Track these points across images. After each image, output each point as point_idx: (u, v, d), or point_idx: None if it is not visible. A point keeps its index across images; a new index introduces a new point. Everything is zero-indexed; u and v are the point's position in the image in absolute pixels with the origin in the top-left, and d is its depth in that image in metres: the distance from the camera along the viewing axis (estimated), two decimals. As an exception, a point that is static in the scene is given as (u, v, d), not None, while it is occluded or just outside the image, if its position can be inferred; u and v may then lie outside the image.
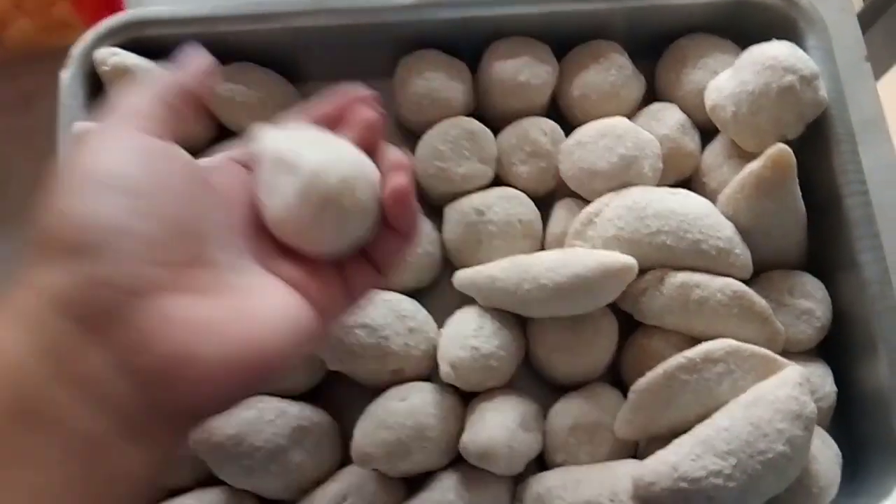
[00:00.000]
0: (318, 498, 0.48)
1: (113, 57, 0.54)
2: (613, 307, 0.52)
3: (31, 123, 0.60)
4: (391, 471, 0.48)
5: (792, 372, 0.47)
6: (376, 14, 0.57)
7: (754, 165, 0.50)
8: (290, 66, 0.56)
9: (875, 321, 0.51)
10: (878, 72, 1.03)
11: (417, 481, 0.50)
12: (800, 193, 0.52)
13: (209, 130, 0.57)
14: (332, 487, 0.48)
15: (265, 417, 0.48)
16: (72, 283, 0.27)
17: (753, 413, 0.45)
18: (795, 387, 0.46)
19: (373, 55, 0.58)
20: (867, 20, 0.92)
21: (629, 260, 0.48)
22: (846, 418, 0.53)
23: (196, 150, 0.55)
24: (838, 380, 0.52)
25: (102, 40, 0.55)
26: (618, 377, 0.54)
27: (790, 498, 0.47)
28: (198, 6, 0.57)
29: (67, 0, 0.61)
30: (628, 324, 0.53)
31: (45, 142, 0.53)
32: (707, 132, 0.58)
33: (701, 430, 0.46)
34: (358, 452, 0.47)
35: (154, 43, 0.56)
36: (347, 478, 0.49)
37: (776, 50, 0.52)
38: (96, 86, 0.55)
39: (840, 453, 0.50)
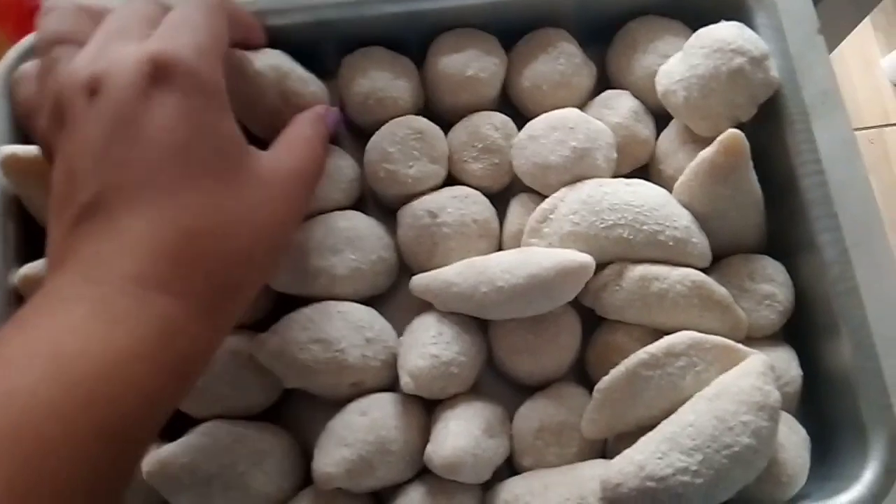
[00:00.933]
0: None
1: None
2: (576, 303, 0.51)
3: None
4: (355, 488, 0.47)
5: (754, 361, 0.46)
6: (314, 11, 0.55)
7: (707, 152, 0.49)
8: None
9: (836, 303, 0.50)
10: (833, 42, 1.02)
11: (384, 495, 0.49)
12: (755, 177, 0.51)
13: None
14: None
15: (220, 443, 0.46)
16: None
17: (717, 406, 0.44)
18: (759, 377, 0.45)
19: (315, 55, 0.56)
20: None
21: (586, 258, 0.47)
22: (813, 401, 0.52)
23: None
24: (803, 362, 0.52)
25: (24, 58, 0.53)
26: (584, 374, 0.53)
27: (760, 487, 0.47)
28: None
29: (-9, 18, 0.59)
30: (592, 319, 0.53)
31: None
32: (662, 117, 0.57)
33: (666, 427, 0.45)
34: (319, 474, 0.46)
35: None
36: (311, 498, 0.48)
37: (724, 32, 0.51)
38: (22, 104, 0.53)
39: (808, 438, 0.50)
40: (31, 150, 0.49)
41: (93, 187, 0.33)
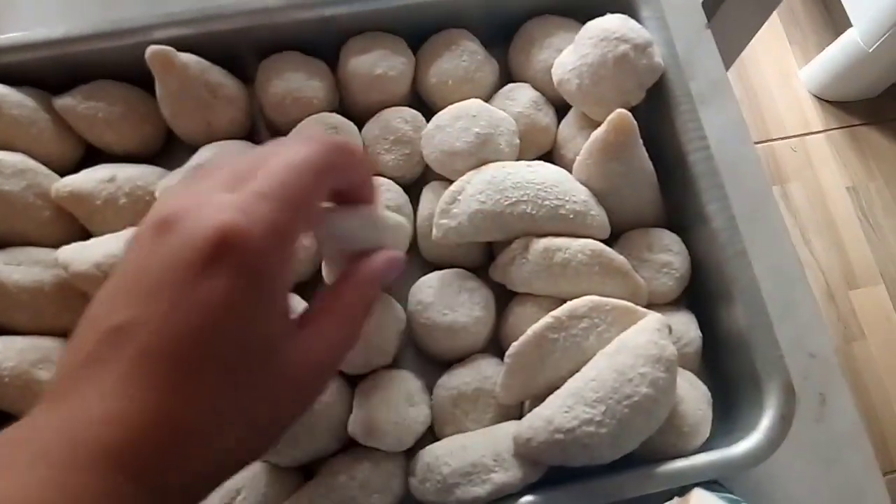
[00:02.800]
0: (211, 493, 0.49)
1: None
2: (489, 281, 0.55)
3: None
4: (282, 460, 0.49)
5: (650, 319, 0.50)
6: (230, 20, 0.58)
7: (599, 132, 0.53)
8: (150, 79, 0.57)
9: (727, 267, 0.54)
10: (746, 37, 1.08)
11: (311, 469, 0.51)
12: (645, 154, 0.55)
13: (76, 149, 0.58)
14: (225, 482, 0.49)
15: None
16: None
17: (617, 361, 0.48)
18: (654, 332, 0.49)
19: (232, 61, 0.59)
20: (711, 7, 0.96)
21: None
22: (715, 361, 0.56)
23: (64, 170, 0.56)
24: (703, 326, 0.55)
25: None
26: (501, 350, 0.56)
27: (662, 439, 0.50)
28: (51, 29, 0.57)
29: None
30: (506, 297, 0.56)
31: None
32: (561, 107, 0.61)
33: (571, 384, 0.48)
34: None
35: (12, 69, 0.57)
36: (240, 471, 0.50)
37: (609, 23, 0.56)
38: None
39: (709, 393, 0.53)
40: None
41: (115, 320, 0.31)
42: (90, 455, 0.29)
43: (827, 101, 1.93)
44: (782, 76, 1.96)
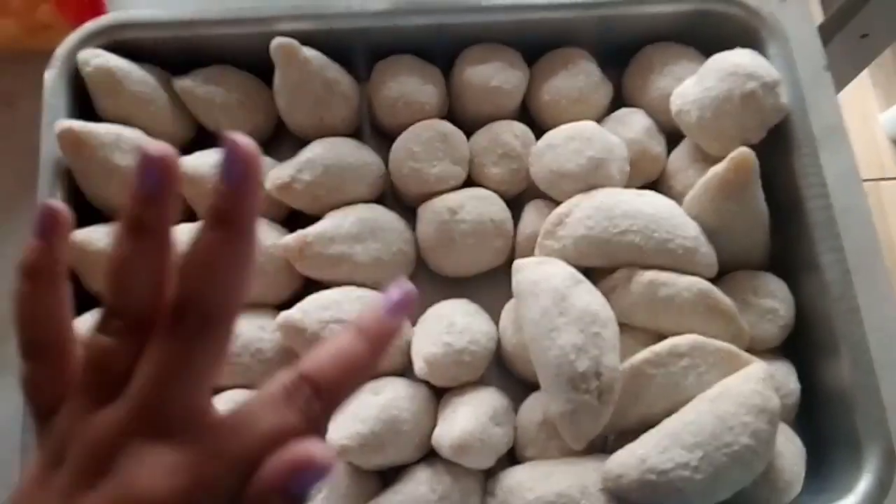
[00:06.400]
0: None
1: (96, 58, 0.54)
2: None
3: (12, 122, 0.61)
4: (365, 464, 0.49)
5: (756, 367, 0.48)
6: (352, 19, 0.58)
7: (718, 168, 0.52)
8: (268, 69, 0.57)
9: (837, 321, 0.52)
10: (839, 84, 1.05)
11: (390, 475, 0.51)
12: (762, 195, 0.54)
13: (189, 130, 0.59)
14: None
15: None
16: None
17: (719, 407, 0.46)
18: (759, 382, 0.47)
19: (349, 59, 0.59)
20: (827, 34, 0.94)
21: None
22: (810, 415, 0.54)
23: (177, 150, 0.56)
24: (802, 378, 0.54)
25: (85, 42, 0.56)
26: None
27: (756, 492, 0.48)
28: (179, 10, 0.58)
29: (51, 2, 0.61)
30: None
31: (27, 140, 0.54)
32: (673, 137, 0.59)
33: (668, 424, 0.47)
34: (331, 446, 0.48)
35: (136, 45, 0.57)
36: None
37: (739, 57, 0.54)
38: (79, 86, 0.56)
39: (804, 449, 0.52)
40: (86, 125, 0.52)
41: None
42: None
43: (905, 148, 1.88)
44: (861, 118, 1.91)
